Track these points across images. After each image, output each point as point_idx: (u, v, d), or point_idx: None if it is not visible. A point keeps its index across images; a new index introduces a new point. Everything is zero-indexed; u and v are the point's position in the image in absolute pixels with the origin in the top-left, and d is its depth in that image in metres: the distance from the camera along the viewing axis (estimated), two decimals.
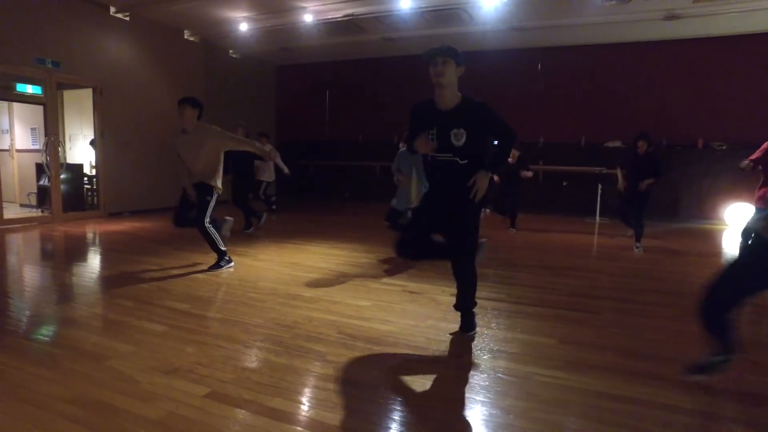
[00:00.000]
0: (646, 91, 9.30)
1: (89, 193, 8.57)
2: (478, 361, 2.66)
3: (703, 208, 9.02)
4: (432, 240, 2.97)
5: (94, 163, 8.66)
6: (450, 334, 3.04)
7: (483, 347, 2.87)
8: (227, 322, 3.17)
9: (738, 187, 8.26)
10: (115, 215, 8.29)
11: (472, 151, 2.75)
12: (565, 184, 10.24)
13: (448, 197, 2.84)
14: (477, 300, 3.11)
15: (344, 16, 8.08)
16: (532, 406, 2.18)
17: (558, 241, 6.90)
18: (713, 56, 8.73)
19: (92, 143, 8.67)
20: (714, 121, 8.79)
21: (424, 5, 7.54)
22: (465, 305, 3.07)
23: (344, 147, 11.86)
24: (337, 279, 4.32)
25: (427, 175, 2.99)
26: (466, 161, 2.76)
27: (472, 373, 2.52)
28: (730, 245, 6.75)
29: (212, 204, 4.55)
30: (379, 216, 6.99)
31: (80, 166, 8.60)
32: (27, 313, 3.35)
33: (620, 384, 2.41)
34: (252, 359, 2.64)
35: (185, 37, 9.41)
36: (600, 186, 9.27)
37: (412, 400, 2.24)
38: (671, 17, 7.54)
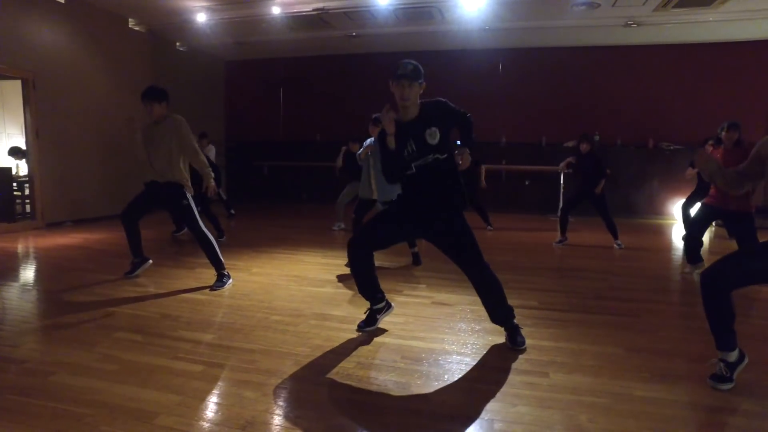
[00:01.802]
0: (603, 93, 9.74)
1: (20, 201, 7.46)
2: (562, 379, 2.49)
3: (654, 204, 9.62)
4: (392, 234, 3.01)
5: (23, 167, 7.56)
6: (511, 347, 2.88)
7: (552, 362, 2.71)
8: (271, 355, 2.75)
9: (685, 184, 8.88)
10: (54, 225, 7.27)
11: (447, 145, 2.76)
12: (527, 183, 10.50)
13: (438, 196, 2.81)
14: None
15: (314, 10, 7.66)
16: (658, 426, 2.04)
17: (539, 241, 7.00)
18: (664, 62, 9.32)
19: (14, 152, 7.58)
20: (663, 122, 9.38)
21: (399, 2, 7.31)
22: (505, 314, 2.94)
23: (301, 147, 11.36)
24: (354, 293, 3.98)
25: (411, 183, 2.84)
26: (445, 155, 2.76)
27: (563, 396, 2.34)
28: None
29: (193, 205, 4.14)
30: (347, 221, 6.79)
31: (7, 170, 7.45)
32: (11, 365, 2.71)
33: (718, 395, 2.34)
34: (330, 401, 2.27)
35: (130, 26, 8.46)
36: (562, 184, 9.62)
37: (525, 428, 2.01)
38: (631, 24, 7.91)
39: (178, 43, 9.70)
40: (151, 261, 4.49)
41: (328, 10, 7.66)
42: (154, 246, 4.63)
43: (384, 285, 3.23)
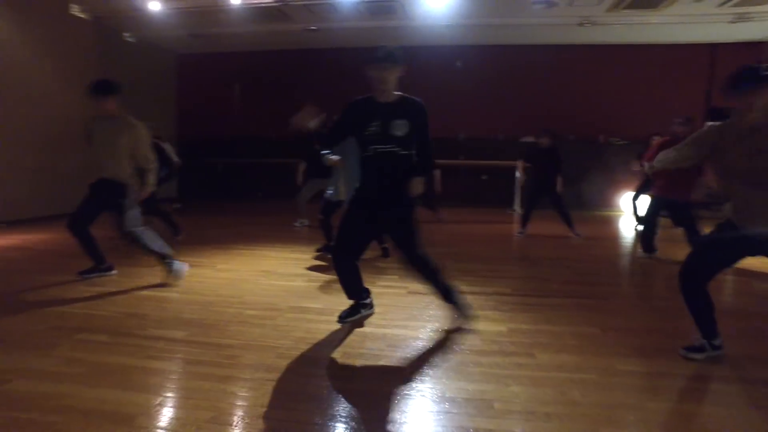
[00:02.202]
0: (558, 90, 10.08)
1: None
2: (548, 358, 2.53)
3: (604, 196, 10.06)
4: (367, 235, 3.00)
5: None
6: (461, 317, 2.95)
7: (536, 343, 2.75)
8: (252, 349, 2.63)
9: (631, 177, 9.37)
10: None
11: (410, 142, 2.77)
12: (484, 177, 10.70)
13: (390, 190, 2.79)
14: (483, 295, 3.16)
15: (276, 1, 7.46)
16: (644, 396, 2.10)
17: (501, 233, 7.14)
18: (614, 61, 9.75)
19: None
20: (613, 119, 9.83)
21: None
22: (449, 290, 3.02)
23: (256, 143, 11.05)
24: (329, 285, 3.90)
25: (366, 169, 2.85)
26: (405, 152, 2.77)
27: (552, 374, 2.38)
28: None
29: (131, 206, 3.88)
30: (309, 216, 6.70)
31: None
32: None
33: (693, 365, 2.45)
34: (324, 391, 2.18)
35: (72, 12, 7.91)
36: (518, 178, 9.86)
37: (549, 410, 2.02)
38: (585, 23, 8.23)
39: (126, 34, 9.18)
40: (115, 272, 4.19)
41: (290, 2, 7.49)
42: (109, 244, 4.32)
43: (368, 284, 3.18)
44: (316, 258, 5.01)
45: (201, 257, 4.92)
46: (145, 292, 3.67)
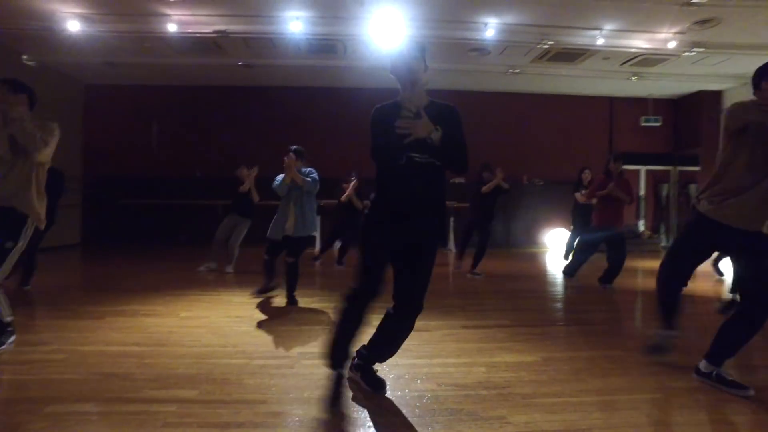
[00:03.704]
0: (486, 133, 10.71)
1: None
2: (602, 382, 2.48)
3: (530, 234, 10.70)
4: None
5: None
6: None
7: (580, 369, 2.70)
8: (290, 402, 2.22)
9: (553, 216, 10.15)
10: None
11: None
12: None
13: (426, 213, 2.29)
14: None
15: (213, 33, 7.08)
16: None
17: (443, 271, 7.19)
18: (535, 109, 10.66)
19: None
20: (534, 161, 10.64)
21: (307, 32, 7.16)
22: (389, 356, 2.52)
23: (177, 184, 10.17)
24: (324, 328, 3.55)
25: (395, 183, 2.30)
26: (440, 164, 2.30)
27: (624, 395, 2.32)
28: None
29: (15, 249, 2.84)
30: (242, 260, 6.31)
31: None
32: None
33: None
34: None
35: None
36: (452, 218, 10.13)
37: None
38: (513, 72, 8.94)
39: (24, 57, 8.06)
40: (15, 337, 3.01)
41: (229, 33, 7.15)
42: (43, 297, 3.52)
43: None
44: (264, 300, 4.56)
45: (153, 305, 4.24)
46: (112, 348, 3.02)
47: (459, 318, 3.90)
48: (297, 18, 6.75)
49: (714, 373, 2.46)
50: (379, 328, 2.42)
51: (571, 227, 7.58)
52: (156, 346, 3.07)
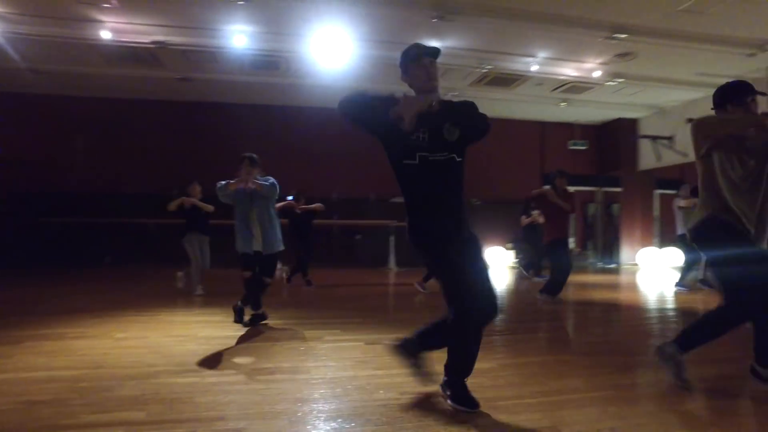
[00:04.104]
0: None
1: None
2: (561, 383, 2.56)
3: None
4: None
5: None
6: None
7: (537, 372, 2.78)
8: (252, 419, 2.09)
9: (490, 234, 10.53)
10: None
11: (464, 148, 2.30)
12: (358, 236, 10.85)
13: (452, 213, 2.26)
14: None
15: (152, 43, 6.79)
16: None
17: (405, 290, 7.22)
18: None
19: None
20: (471, 181, 10.99)
21: (251, 47, 7.06)
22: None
23: (103, 200, 9.54)
24: (280, 344, 3.42)
25: (416, 186, 2.28)
26: (461, 159, 2.28)
27: (579, 394, 2.41)
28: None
29: None
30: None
31: None
32: None
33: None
34: None
35: None
36: (393, 238, 10.22)
37: None
38: (451, 95, 9.27)
39: None
40: None
41: (167, 45, 6.89)
42: None
43: (292, 330, 2.86)
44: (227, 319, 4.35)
45: (82, 327, 3.88)
46: (37, 374, 2.70)
47: (410, 331, 3.89)
48: (241, 32, 6.65)
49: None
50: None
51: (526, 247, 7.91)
52: (90, 369, 2.79)
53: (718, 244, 2.46)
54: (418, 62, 2.27)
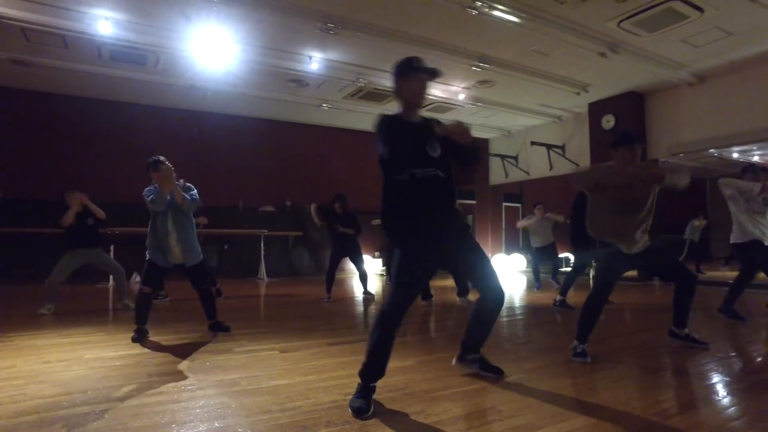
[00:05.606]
0: (298, 163, 10.93)
1: None
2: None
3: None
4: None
5: None
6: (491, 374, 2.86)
7: (440, 368, 3.07)
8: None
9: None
10: None
11: (447, 163, 2.42)
12: (226, 246, 10.33)
13: (443, 224, 2.39)
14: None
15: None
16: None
17: (308, 299, 7.10)
18: (346, 143, 11.36)
19: None
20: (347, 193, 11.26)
21: (119, 36, 6.30)
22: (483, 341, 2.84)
23: None
24: (191, 359, 3.17)
25: (401, 202, 2.36)
26: (446, 175, 2.40)
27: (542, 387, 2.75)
28: None
29: None
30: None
31: None
32: None
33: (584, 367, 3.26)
34: None
35: None
36: (263, 247, 9.97)
37: None
38: (325, 106, 9.46)
39: None
40: None
41: (3, 18, 5.79)
42: None
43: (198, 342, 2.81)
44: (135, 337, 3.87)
45: None
46: None
47: (320, 337, 3.93)
48: (106, 18, 5.93)
49: None
50: (474, 320, 2.71)
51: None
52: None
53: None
54: (409, 76, 2.35)
